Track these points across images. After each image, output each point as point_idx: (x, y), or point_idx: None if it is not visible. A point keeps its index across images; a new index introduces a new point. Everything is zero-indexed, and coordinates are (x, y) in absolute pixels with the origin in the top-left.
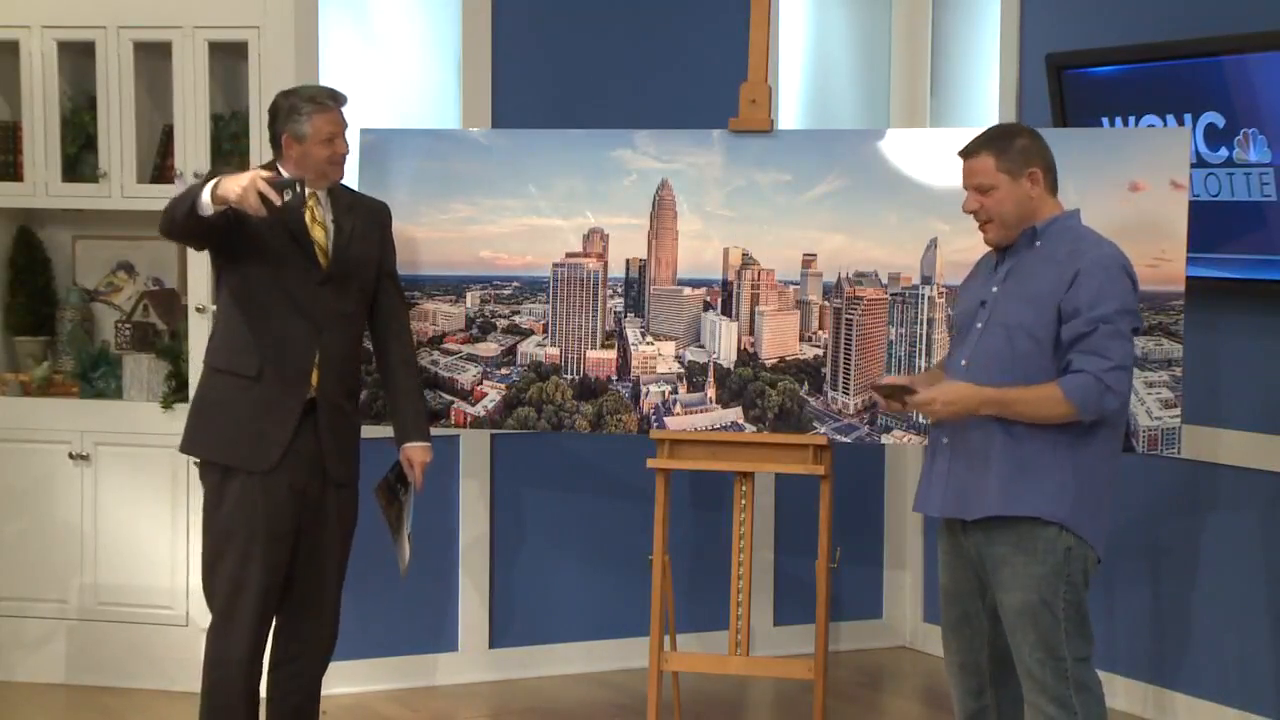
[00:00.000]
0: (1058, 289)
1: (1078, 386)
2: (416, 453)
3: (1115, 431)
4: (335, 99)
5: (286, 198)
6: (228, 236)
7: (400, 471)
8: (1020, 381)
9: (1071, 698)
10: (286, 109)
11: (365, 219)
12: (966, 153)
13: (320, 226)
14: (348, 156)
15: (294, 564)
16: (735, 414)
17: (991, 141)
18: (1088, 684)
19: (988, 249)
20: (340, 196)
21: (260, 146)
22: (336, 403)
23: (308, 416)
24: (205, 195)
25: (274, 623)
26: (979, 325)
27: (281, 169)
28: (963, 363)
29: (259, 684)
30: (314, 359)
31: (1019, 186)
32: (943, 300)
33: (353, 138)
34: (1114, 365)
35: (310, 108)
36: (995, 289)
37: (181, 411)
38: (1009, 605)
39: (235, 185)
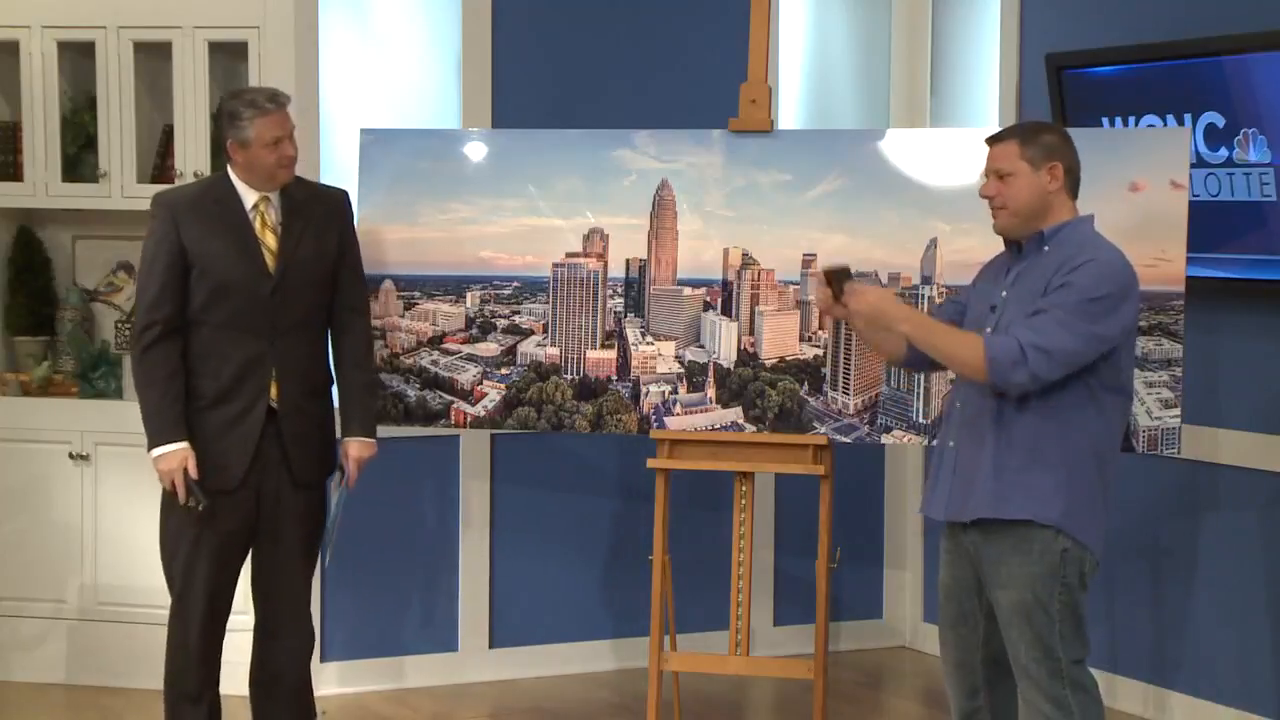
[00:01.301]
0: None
1: (998, 345)
2: (354, 447)
3: (1113, 436)
4: (276, 101)
5: (191, 503)
6: (184, 279)
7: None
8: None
9: (1068, 697)
10: (228, 114)
11: (320, 215)
12: (994, 139)
13: (271, 231)
14: (297, 158)
15: (261, 565)
16: (735, 414)
17: (1020, 131)
18: (1084, 684)
19: (996, 253)
20: (293, 194)
21: None
22: (299, 406)
23: (270, 424)
24: (148, 445)
25: (254, 623)
26: (988, 330)
27: (231, 171)
28: None
29: (217, 669)
30: (270, 374)
31: (1038, 177)
32: (943, 300)
33: (353, 138)
34: (1042, 345)
35: (251, 112)
36: (1004, 293)
37: None
38: (1004, 604)
39: (164, 466)
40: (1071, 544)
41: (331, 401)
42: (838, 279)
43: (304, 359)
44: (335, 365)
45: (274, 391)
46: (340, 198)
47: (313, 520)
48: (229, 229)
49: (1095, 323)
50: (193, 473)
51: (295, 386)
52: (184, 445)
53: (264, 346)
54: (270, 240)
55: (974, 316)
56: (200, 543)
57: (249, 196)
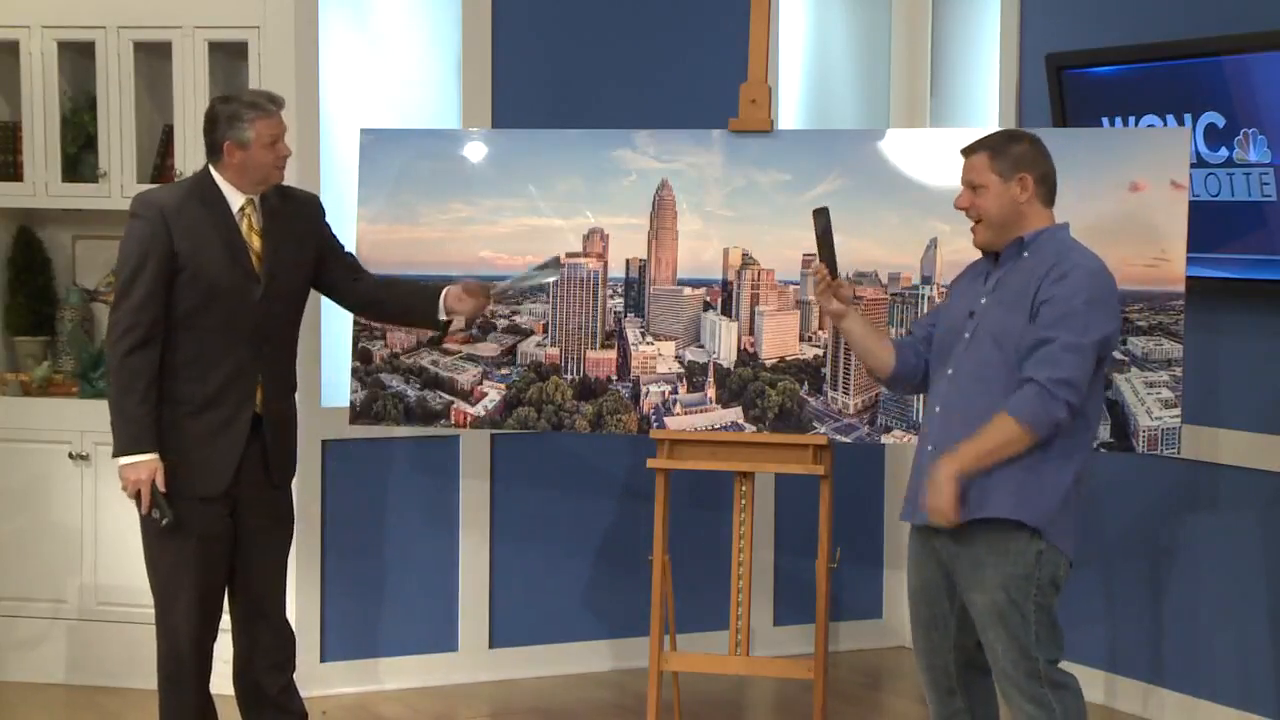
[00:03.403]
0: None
1: (1025, 402)
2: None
3: (1089, 443)
4: (275, 102)
5: (155, 516)
6: (171, 283)
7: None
8: (1006, 391)
9: (1047, 695)
10: (227, 116)
11: (293, 219)
12: (967, 150)
13: (257, 235)
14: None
15: (240, 569)
16: (735, 414)
17: (991, 142)
18: (1064, 683)
19: (977, 256)
20: (270, 198)
21: None
22: (279, 409)
23: (253, 430)
24: (116, 451)
25: (233, 628)
26: (966, 335)
27: (216, 173)
28: (949, 372)
29: (209, 672)
30: (256, 380)
31: (1008, 189)
32: (943, 300)
33: (353, 138)
34: (1065, 379)
35: (252, 113)
36: (984, 300)
37: None
38: (980, 605)
39: (133, 475)
40: (1046, 547)
41: (295, 403)
42: (825, 241)
43: (284, 365)
44: (367, 292)
45: (258, 398)
46: (315, 202)
47: (289, 521)
48: (218, 232)
49: (1092, 333)
50: (160, 486)
51: (276, 390)
52: (154, 456)
53: (251, 352)
54: (256, 244)
55: (950, 323)
56: (185, 550)
57: (235, 199)
